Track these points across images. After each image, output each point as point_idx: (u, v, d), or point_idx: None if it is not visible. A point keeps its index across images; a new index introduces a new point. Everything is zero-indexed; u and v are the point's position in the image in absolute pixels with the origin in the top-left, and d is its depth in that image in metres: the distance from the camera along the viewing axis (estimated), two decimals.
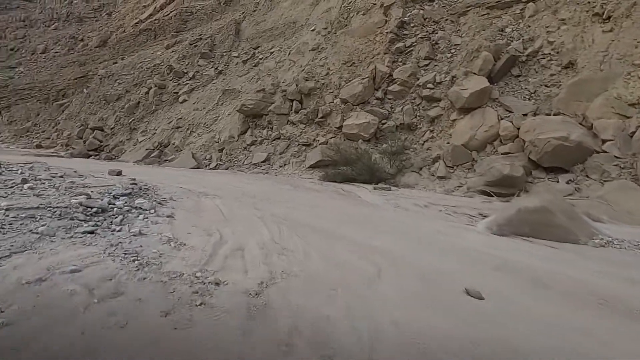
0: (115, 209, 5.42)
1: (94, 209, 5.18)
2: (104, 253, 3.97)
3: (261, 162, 17.70)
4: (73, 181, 7.08)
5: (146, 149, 21.26)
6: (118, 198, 6.09)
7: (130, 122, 24.52)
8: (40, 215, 4.75)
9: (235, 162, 18.61)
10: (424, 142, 15.25)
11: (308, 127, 18.07)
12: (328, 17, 22.52)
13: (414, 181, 13.53)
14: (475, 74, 14.43)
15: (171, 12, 37.37)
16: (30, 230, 4.26)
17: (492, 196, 10.82)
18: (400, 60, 17.96)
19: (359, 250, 4.79)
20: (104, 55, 40.60)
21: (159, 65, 28.37)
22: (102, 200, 5.63)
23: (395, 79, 17.26)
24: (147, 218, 5.37)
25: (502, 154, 12.40)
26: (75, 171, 9.08)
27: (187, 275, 3.62)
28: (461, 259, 4.59)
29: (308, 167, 16.16)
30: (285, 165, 17.12)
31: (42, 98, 38.74)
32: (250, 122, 19.75)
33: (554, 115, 12.28)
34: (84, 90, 33.01)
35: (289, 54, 21.75)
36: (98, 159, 22.22)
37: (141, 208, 5.74)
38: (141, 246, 4.31)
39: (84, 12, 52.33)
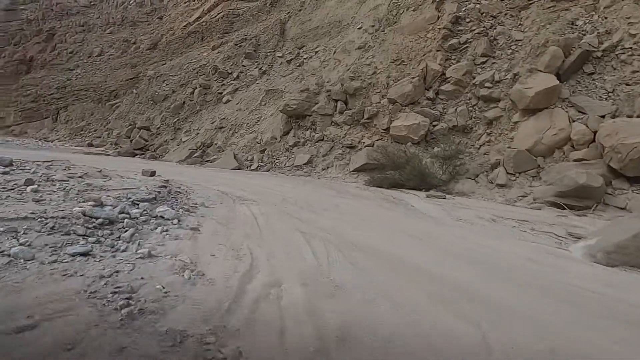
0: (126, 219, 4.58)
1: (99, 220, 4.29)
2: (84, 292, 2.91)
3: (303, 164, 16.96)
4: (90, 183, 6.38)
5: (189, 149, 21.14)
6: (137, 205, 5.36)
7: (175, 121, 24.62)
8: (26, 229, 3.79)
9: (277, 163, 17.98)
10: (480, 146, 13.92)
11: (353, 129, 17.14)
12: (376, 15, 21.51)
13: (469, 189, 12.26)
14: (541, 71, 12.95)
15: (218, 14, 37.65)
16: (1, 252, 3.30)
17: (565, 208, 9.42)
18: (454, 57, 16.67)
19: (443, 293, 3.55)
20: (154, 57, 41.62)
21: (204, 66, 28.45)
22: (114, 208, 4.81)
23: (448, 78, 16.00)
24: (166, 231, 4.57)
25: (574, 160, 10.92)
26: (100, 170, 8.50)
27: (194, 340, 2.45)
28: (577, 307, 3.37)
29: (352, 171, 15.24)
30: (328, 168, 16.29)
31: (96, 98, 40.22)
32: (293, 123, 19.09)
33: (639, 117, 10.66)
34: (134, 90, 33.85)
35: (334, 53, 20.93)
36: (143, 157, 22.38)
37: (162, 217, 5.01)
38: (143, 278, 3.32)
39: (137, 16, 54.11)
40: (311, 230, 5.68)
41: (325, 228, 5.86)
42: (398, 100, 16.19)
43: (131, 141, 24.24)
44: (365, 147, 15.96)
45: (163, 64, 34.51)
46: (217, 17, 37.89)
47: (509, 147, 12.55)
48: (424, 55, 17.20)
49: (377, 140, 16.07)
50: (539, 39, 13.95)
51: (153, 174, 9.69)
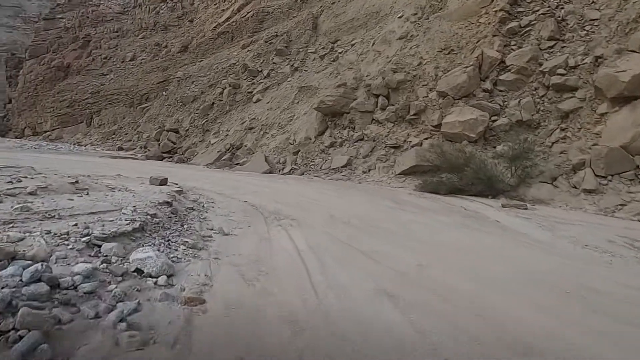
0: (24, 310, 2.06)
1: None
2: None
3: (341, 166, 15.09)
4: (38, 204, 4.25)
5: (217, 152, 19.71)
6: (96, 248, 3.27)
7: (204, 123, 23.32)
8: None
9: (312, 166, 16.20)
10: (553, 143, 11.65)
11: (397, 126, 15.15)
12: (418, 2, 19.40)
13: (547, 195, 10.05)
14: (634, 51, 10.55)
15: (248, 13, 36.41)
16: None
17: None
18: (514, 43, 14.43)
19: None
20: (184, 60, 40.89)
21: (233, 65, 27.13)
22: (14, 277, 2.45)
23: (508, 66, 13.80)
24: (130, 315, 2.40)
25: None
26: (75, 182, 6.18)
27: None
28: None
29: (398, 174, 13.25)
30: (369, 170, 14.36)
31: (128, 102, 39.85)
32: (329, 122, 17.27)
33: None
34: (163, 93, 33.02)
35: (373, 44, 18.98)
36: (171, 161, 21.16)
37: (137, 272, 2.97)
38: None
39: (168, 20, 53.91)
40: (404, 289, 3.50)
41: (423, 281, 3.77)
42: (449, 93, 14.08)
43: (159, 144, 23.12)
44: (411, 146, 13.94)
45: (192, 65, 33.52)
46: (247, 16, 36.69)
47: (595, 145, 10.25)
48: (477, 42, 15.01)
49: (425, 138, 14.02)
50: (627, 15, 11.53)
51: (164, 182, 7.99)
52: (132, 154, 25.48)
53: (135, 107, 38.32)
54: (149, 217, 4.35)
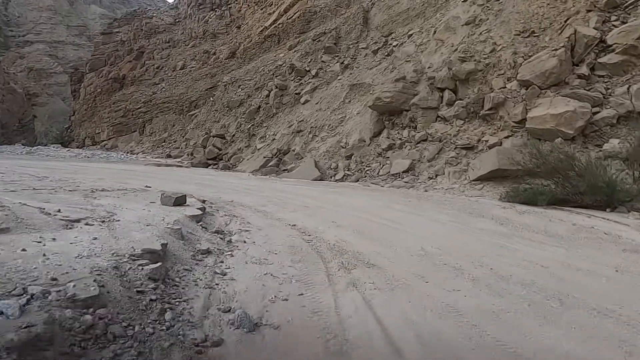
0: None
1: None
2: None
3: (402, 171, 13.05)
4: None
5: (264, 157, 18.30)
6: None
7: (250, 127, 22.09)
8: None
9: (367, 172, 14.28)
10: None
11: (468, 124, 12.89)
12: None
13: None
14: None
15: (295, 14, 35.20)
16: None
17: None
18: (615, 18, 11.76)
19: None
20: (232, 66, 40.47)
21: (280, 67, 25.81)
22: None
23: (610, 46, 11.19)
24: None
25: None
26: (43, 211, 4.31)
27: None
28: None
29: (473, 180, 11.00)
30: (436, 176, 12.20)
31: (178, 110, 39.96)
32: (385, 121, 15.28)
33: None
34: (211, 98, 32.47)
35: (434, 33, 16.75)
36: (216, 168, 20.06)
37: None
38: None
39: (217, 28, 54.25)
40: None
41: None
42: (535, 82, 11.65)
43: (205, 151, 22.16)
44: (489, 147, 11.64)
45: (239, 69, 32.74)
46: (293, 17, 35.50)
47: None
48: (567, 19, 12.44)
49: (506, 137, 11.67)
50: None
51: (182, 201, 6.08)
52: (179, 162, 24.82)
53: (184, 114, 38.27)
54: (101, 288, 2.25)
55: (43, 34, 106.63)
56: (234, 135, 23.10)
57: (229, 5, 54.20)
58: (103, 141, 45.34)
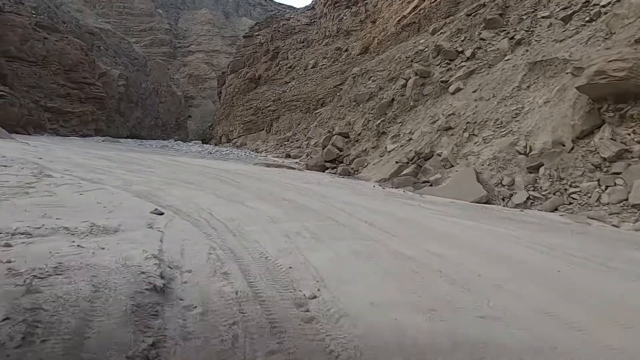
0: None
1: None
2: None
3: None
4: None
5: (396, 162, 13.34)
6: None
7: (379, 124, 17.30)
8: None
9: (575, 195, 8.27)
10: None
11: None
12: None
13: None
14: None
15: None
16: None
17: None
18: None
19: None
20: (364, 61, 36.38)
21: (421, 52, 20.48)
22: None
23: None
24: None
25: None
26: None
27: None
28: None
29: None
30: None
31: (304, 108, 37.51)
32: (606, 112, 8.96)
33: None
34: (338, 94, 28.71)
35: None
36: (333, 172, 15.77)
37: None
38: None
39: (351, 25, 51.23)
40: None
41: None
42: None
43: (323, 151, 18.13)
44: None
45: (371, 60, 28.31)
46: (438, 0, 29.77)
47: None
48: None
49: None
50: None
51: None
52: (296, 162, 21.41)
53: (310, 112, 35.49)
54: None
55: (203, 44, 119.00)
56: (359, 133, 18.61)
57: (365, 1, 50.66)
58: (234, 139, 45.64)
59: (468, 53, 16.52)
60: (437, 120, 14.14)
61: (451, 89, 15.41)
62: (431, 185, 10.90)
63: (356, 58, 39.58)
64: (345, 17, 53.12)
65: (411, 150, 13.80)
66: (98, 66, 57.60)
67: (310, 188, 9.82)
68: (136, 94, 68.73)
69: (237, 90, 53.16)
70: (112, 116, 57.69)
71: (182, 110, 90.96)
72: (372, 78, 22.97)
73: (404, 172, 12.33)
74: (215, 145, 50.85)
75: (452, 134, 12.72)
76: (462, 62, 16.53)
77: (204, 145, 44.71)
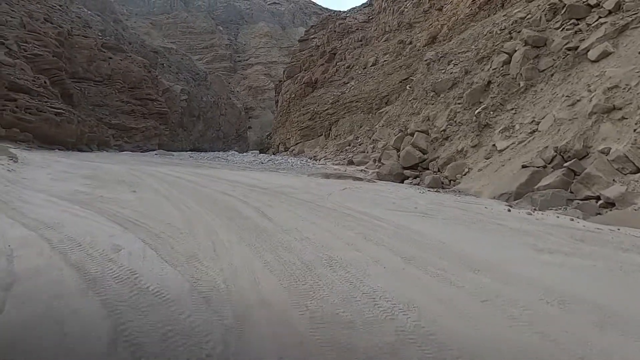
0: None
1: None
2: None
3: None
4: None
5: (523, 166, 8.55)
6: None
7: (477, 114, 12.48)
8: None
9: None
10: None
11: None
12: None
13: None
14: None
15: None
16: None
17: None
18: None
19: None
20: (432, 52, 31.26)
21: (522, 20, 15.28)
22: None
23: None
24: None
25: None
26: None
27: None
28: None
29: None
30: None
31: (366, 108, 33.14)
32: None
33: None
34: (407, 87, 24.01)
35: None
36: (417, 184, 11.20)
37: None
38: None
39: (413, 17, 46.15)
40: None
41: None
42: None
43: (399, 155, 13.64)
44: None
45: (448, 42, 23.30)
46: None
47: None
48: None
49: None
50: None
51: None
52: (362, 170, 17.11)
53: (373, 112, 31.04)
54: None
55: (261, 56, 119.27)
56: (444, 130, 13.88)
57: None
58: (291, 147, 42.38)
59: (609, 4, 11.20)
60: (579, 99, 9.12)
61: (592, 55, 10.25)
62: (614, 206, 6.03)
63: (422, 50, 34.53)
64: (406, 10, 48.10)
65: (541, 146, 8.91)
66: (161, 82, 57.77)
67: (409, 226, 5.28)
68: (198, 108, 68.66)
69: (293, 95, 50.12)
70: (175, 130, 57.45)
71: (242, 122, 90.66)
72: (452, 62, 18.09)
73: (544, 182, 7.53)
74: (273, 154, 48.06)
75: (622, 117, 7.68)
76: (600, 18, 11.24)
77: (260, 155, 41.96)
